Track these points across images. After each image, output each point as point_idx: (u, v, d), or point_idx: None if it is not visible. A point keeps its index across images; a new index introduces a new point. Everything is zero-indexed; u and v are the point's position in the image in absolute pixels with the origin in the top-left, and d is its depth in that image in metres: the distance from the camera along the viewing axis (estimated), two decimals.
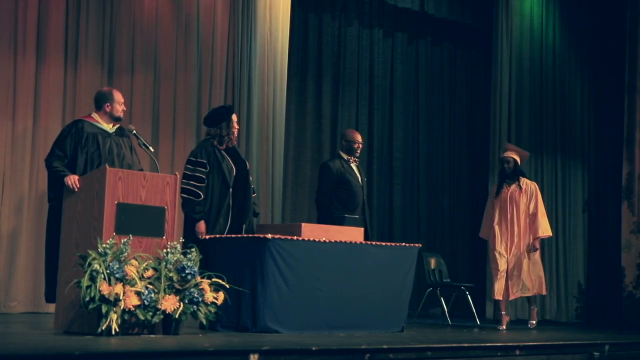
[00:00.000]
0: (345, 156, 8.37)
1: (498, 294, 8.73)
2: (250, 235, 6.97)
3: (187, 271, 5.92)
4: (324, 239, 6.93)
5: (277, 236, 6.70)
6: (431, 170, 12.12)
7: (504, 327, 8.63)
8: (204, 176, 7.25)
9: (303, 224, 6.99)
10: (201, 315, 5.95)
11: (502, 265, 8.70)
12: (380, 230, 11.20)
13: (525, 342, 6.42)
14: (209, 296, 5.98)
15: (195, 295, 5.91)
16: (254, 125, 9.73)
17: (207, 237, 7.02)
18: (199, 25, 9.65)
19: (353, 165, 8.36)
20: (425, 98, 12.14)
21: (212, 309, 5.99)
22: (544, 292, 9.04)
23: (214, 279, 6.06)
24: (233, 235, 7.06)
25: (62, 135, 6.72)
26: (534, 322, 8.95)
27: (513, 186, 8.84)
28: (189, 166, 7.31)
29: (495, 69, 11.58)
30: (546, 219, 8.87)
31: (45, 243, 6.76)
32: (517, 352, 6.05)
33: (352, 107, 11.41)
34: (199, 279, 5.98)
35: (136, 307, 5.66)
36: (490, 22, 11.79)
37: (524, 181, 8.89)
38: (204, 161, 7.28)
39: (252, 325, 6.57)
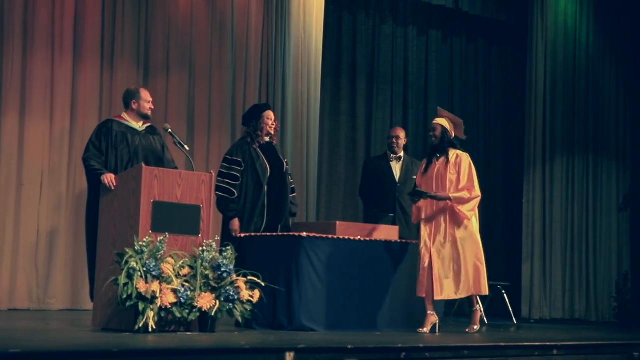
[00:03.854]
0: (388, 153, 8.44)
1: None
2: (285, 234, 6.98)
3: (222, 269, 5.94)
4: (359, 237, 6.92)
5: (312, 234, 6.71)
6: None
7: (426, 329, 6.97)
8: (238, 174, 7.29)
9: (338, 223, 7.00)
10: (237, 313, 5.97)
11: (426, 258, 7.00)
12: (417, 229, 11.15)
13: (562, 341, 6.35)
14: (245, 294, 6.00)
15: (231, 293, 5.93)
16: (289, 124, 9.74)
17: (242, 235, 7.04)
18: (233, 24, 9.68)
19: (393, 163, 8.34)
20: (459, 96, 12.08)
21: (248, 307, 6.01)
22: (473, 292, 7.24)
23: (249, 277, 6.08)
24: (268, 234, 7.07)
25: (95, 134, 6.80)
26: (475, 327, 7.22)
27: (441, 160, 7.16)
28: (224, 164, 7.36)
29: (530, 66, 11.49)
30: (474, 198, 7.04)
31: (86, 243, 6.81)
32: (555, 352, 5.99)
33: (386, 105, 11.38)
34: (234, 277, 6.00)
35: (173, 304, 5.70)
36: (525, 19, 11.70)
37: (454, 153, 7.15)
38: (239, 159, 7.32)
39: (288, 323, 6.57)
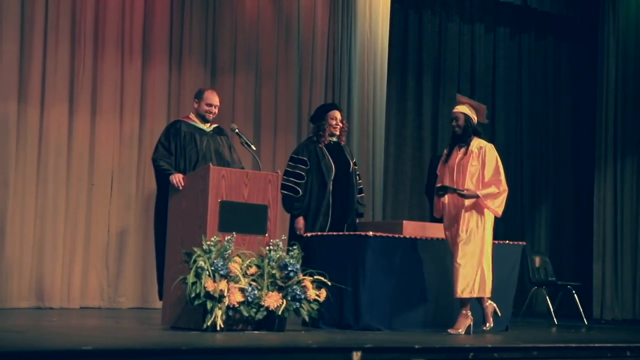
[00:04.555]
0: None
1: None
2: (351, 233, 6.97)
3: (289, 268, 5.95)
4: (425, 236, 6.87)
5: (378, 234, 6.68)
6: (535, 167, 11.88)
7: (460, 330, 6.52)
8: (303, 173, 7.31)
9: (404, 222, 6.96)
10: (304, 312, 5.98)
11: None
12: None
13: (636, 343, 6.20)
14: (312, 293, 6.01)
15: (298, 292, 5.94)
16: (354, 123, 9.74)
17: (309, 234, 7.05)
18: (299, 25, 9.71)
19: None
20: (528, 94, 11.91)
21: (315, 306, 6.01)
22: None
23: (316, 277, 6.08)
24: (334, 233, 7.07)
25: (164, 134, 6.88)
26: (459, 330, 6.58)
27: (463, 150, 6.72)
28: (290, 163, 7.40)
29: (601, 63, 11.28)
30: (502, 193, 6.66)
31: (154, 242, 6.90)
32: (628, 354, 5.85)
33: (453, 103, 11.17)
34: (301, 276, 6.01)
35: (240, 303, 5.73)
36: (596, 15, 11.48)
37: (477, 143, 6.70)
38: (305, 158, 7.35)
39: (355, 322, 6.56)
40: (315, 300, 6.02)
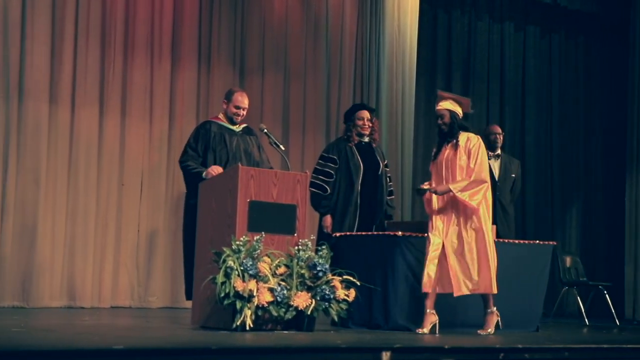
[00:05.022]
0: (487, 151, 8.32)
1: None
2: (380, 233, 6.96)
3: (318, 268, 5.95)
4: None
5: (407, 233, 6.66)
6: (565, 167, 11.80)
7: (425, 329, 6.32)
8: (332, 172, 7.34)
9: None
10: (333, 312, 5.98)
11: (438, 252, 6.38)
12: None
13: None
14: (341, 293, 6.00)
15: (327, 292, 5.93)
16: (383, 123, 9.73)
17: (337, 234, 7.05)
18: (327, 25, 9.72)
19: (492, 161, 8.23)
20: (558, 92, 11.83)
21: (344, 306, 6.00)
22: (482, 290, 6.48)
23: (345, 276, 6.07)
24: (363, 233, 7.06)
25: (193, 136, 6.91)
26: (489, 330, 6.46)
27: (451, 145, 6.53)
28: (320, 161, 7.44)
29: (632, 62, 11.17)
30: (477, 185, 6.36)
31: (182, 242, 6.95)
32: None
33: (482, 103, 11.24)
34: (330, 276, 6.01)
35: (269, 303, 5.74)
36: (627, 14, 11.36)
37: (465, 136, 6.51)
38: (334, 157, 7.37)
39: (384, 322, 6.55)
40: (344, 300, 6.01)
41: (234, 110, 6.88)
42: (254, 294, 5.68)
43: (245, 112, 6.94)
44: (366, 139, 7.49)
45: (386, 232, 6.83)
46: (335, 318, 6.05)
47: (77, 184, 8.35)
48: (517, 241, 7.35)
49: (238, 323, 5.65)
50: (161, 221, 8.73)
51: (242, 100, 6.90)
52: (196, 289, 6.19)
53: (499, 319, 6.48)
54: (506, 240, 7.26)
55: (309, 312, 5.86)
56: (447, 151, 6.52)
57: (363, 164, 7.38)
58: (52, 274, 8.17)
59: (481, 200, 6.33)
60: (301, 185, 6.25)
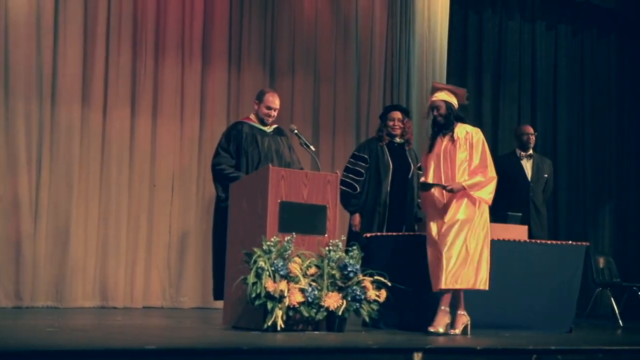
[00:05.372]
0: (517, 152, 8.27)
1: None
2: (411, 233, 6.95)
3: (349, 269, 5.94)
4: None
5: None
6: (597, 165, 11.70)
7: (457, 330, 6.17)
8: (362, 170, 7.35)
9: None
10: (364, 313, 5.97)
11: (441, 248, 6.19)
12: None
13: None
14: (372, 294, 5.99)
15: (358, 292, 5.93)
16: (413, 123, 9.66)
17: (368, 235, 7.04)
18: (357, 26, 9.72)
19: (524, 161, 8.18)
20: (591, 92, 11.73)
21: (375, 307, 5.99)
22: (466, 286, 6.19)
23: (376, 277, 6.06)
24: (394, 233, 7.05)
25: (225, 137, 6.93)
26: (456, 330, 6.21)
27: (448, 137, 6.34)
28: (351, 159, 7.46)
29: None
30: (490, 181, 6.25)
31: (212, 242, 6.98)
32: None
33: (513, 103, 11.18)
34: (361, 276, 6.00)
35: (300, 303, 5.74)
36: None
37: (463, 129, 6.34)
38: (365, 156, 7.38)
39: (416, 323, 6.52)
40: (375, 300, 6.00)
41: (266, 110, 6.90)
42: (285, 294, 5.69)
43: (276, 113, 6.96)
44: (399, 140, 7.47)
45: (417, 233, 6.81)
46: (367, 319, 6.05)
47: (109, 186, 8.42)
48: (549, 242, 7.30)
49: (269, 323, 5.66)
50: (192, 222, 8.78)
51: (274, 100, 6.91)
52: (227, 289, 6.21)
53: (469, 324, 6.23)
54: (539, 241, 7.21)
55: (339, 313, 5.86)
56: (444, 143, 6.30)
57: (393, 164, 7.37)
58: (85, 275, 8.25)
59: (492, 196, 6.23)
60: (331, 185, 6.24)
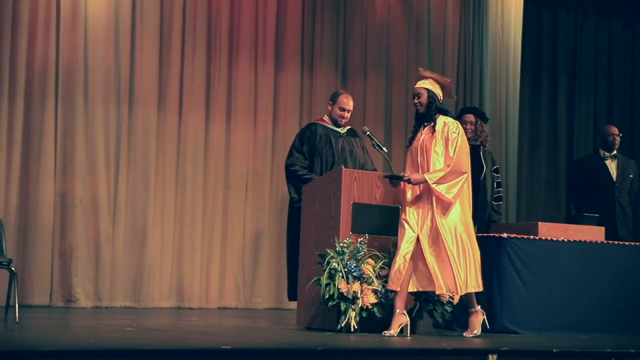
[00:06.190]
0: (601, 152, 8.14)
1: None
2: (485, 235, 6.88)
3: None
4: (562, 238, 6.72)
5: (513, 235, 6.57)
6: None
7: (392, 331, 5.66)
8: None
9: (540, 223, 6.81)
10: (437, 315, 5.95)
11: (411, 247, 5.73)
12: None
13: None
14: (445, 296, 5.96)
15: (431, 294, 5.90)
16: (488, 123, 9.60)
17: None
18: (429, 24, 9.68)
19: (608, 162, 8.05)
20: None
21: (448, 308, 5.96)
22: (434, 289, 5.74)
23: None
24: None
25: (298, 138, 6.97)
26: (475, 331, 5.89)
27: (427, 129, 5.92)
28: None
29: None
30: (456, 176, 5.74)
31: (286, 243, 7.03)
32: None
33: (589, 101, 10.99)
34: None
35: (373, 305, 5.75)
36: None
37: (442, 120, 5.90)
38: None
39: (490, 325, 6.46)
40: (448, 302, 5.97)
41: (339, 112, 6.92)
42: (358, 295, 5.70)
43: (349, 115, 6.97)
44: (473, 142, 7.39)
45: (491, 234, 6.75)
46: (440, 320, 6.02)
47: (184, 188, 8.56)
48: (626, 243, 7.16)
49: (343, 324, 5.68)
50: (266, 223, 8.86)
51: (348, 102, 6.93)
52: (301, 290, 6.25)
53: (485, 318, 5.95)
54: (616, 242, 7.08)
55: (412, 314, 5.85)
56: (422, 136, 5.91)
57: None
58: (162, 276, 8.39)
59: (458, 193, 5.74)
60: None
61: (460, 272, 5.66)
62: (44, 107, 8.04)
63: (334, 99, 6.96)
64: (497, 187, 7.48)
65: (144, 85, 8.41)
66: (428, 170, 5.78)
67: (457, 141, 5.81)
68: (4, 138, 7.90)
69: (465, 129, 7.30)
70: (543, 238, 6.66)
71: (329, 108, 6.97)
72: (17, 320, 5.80)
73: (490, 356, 4.69)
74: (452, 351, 4.82)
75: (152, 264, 8.33)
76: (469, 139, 7.34)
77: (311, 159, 6.86)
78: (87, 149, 8.16)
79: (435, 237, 5.69)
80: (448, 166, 5.74)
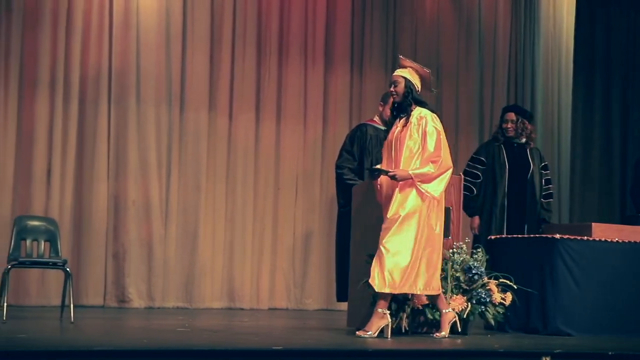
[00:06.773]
0: None
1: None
2: (537, 236, 6.81)
3: (474, 271, 5.88)
4: (616, 239, 6.61)
5: (566, 236, 6.49)
6: None
7: (444, 332, 5.60)
8: (479, 173, 7.29)
9: (593, 224, 6.71)
10: (489, 316, 5.90)
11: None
12: None
13: None
14: (497, 297, 5.91)
15: (483, 295, 5.86)
16: (538, 123, 9.51)
17: (492, 237, 6.95)
18: (480, 23, 9.61)
19: None
20: None
21: (500, 310, 5.92)
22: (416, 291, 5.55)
23: (501, 280, 5.98)
24: (520, 236, 6.93)
25: (349, 138, 6.97)
26: (442, 332, 5.63)
27: (403, 121, 5.63)
28: (469, 162, 7.42)
29: None
30: (442, 173, 5.54)
31: (335, 246, 7.03)
32: None
33: None
34: (486, 279, 5.93)
35: (424, 306, 5.72)
36: None
37: (418, 112, 5.62)
38: (482, 158, 7.32)
39: (543, 327, 6.40)
40: (500, 303, 5.92)
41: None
42: (409, 297, 5.68)
43: None
44: (518, 140, 7.33)
45: (544, 235, 6.68)
46: (492, 322, 5.97)
47: (235, 189, 8.61)
48: None
49: (393, 326, 5.66)
50: (316, 224, 8.87)
51: None
52: (351, 291, 6.25)
53: (456, 319, 5.73)
54: None
55: (464, 316, 5.81)
56: (397, 128, 5.65)
57: (509, 164, 7.25)
58: (213, 276, 8.46)
59: (443, 191, 5.56)
60: (455, 188, 6.19)
61: (420, 272, 5.47)
62: (97, 111, 8.17)
63: (385, 99, 6.94)
64: (546, 185, 7.40)
65: (195, 88, 8.49)
66: (397, 164, 5.56)
67: (435, 134, 5.54)
68: (58, 141, 8.04)
69: (506, 128, 7.27)
70: (597, 239, 6.56)
71: (380, 109, 6.95)
72: (72, 320, 5.90)
73: (544, 358, 4.64)
74: (504, 353, 4.78)
75: (204, 265, 8.40)
76: (510, 138, 7.30)
77: (361, 159, 6.85)
78: (139, 151, 8.26)
79: (397, 234, 5.45)
80: (432, 161, 5.50)
